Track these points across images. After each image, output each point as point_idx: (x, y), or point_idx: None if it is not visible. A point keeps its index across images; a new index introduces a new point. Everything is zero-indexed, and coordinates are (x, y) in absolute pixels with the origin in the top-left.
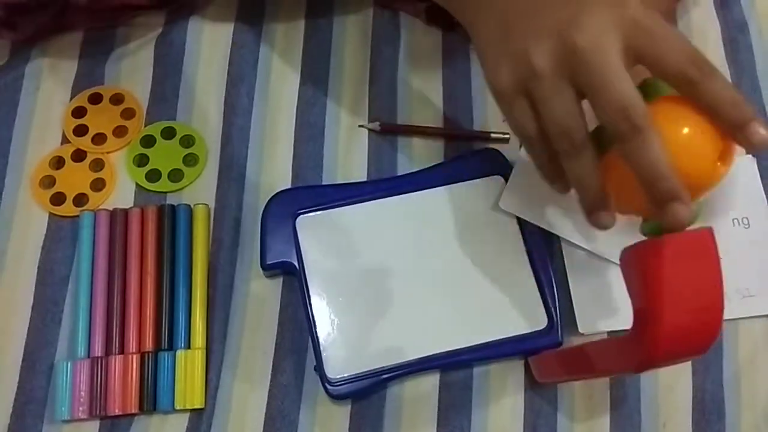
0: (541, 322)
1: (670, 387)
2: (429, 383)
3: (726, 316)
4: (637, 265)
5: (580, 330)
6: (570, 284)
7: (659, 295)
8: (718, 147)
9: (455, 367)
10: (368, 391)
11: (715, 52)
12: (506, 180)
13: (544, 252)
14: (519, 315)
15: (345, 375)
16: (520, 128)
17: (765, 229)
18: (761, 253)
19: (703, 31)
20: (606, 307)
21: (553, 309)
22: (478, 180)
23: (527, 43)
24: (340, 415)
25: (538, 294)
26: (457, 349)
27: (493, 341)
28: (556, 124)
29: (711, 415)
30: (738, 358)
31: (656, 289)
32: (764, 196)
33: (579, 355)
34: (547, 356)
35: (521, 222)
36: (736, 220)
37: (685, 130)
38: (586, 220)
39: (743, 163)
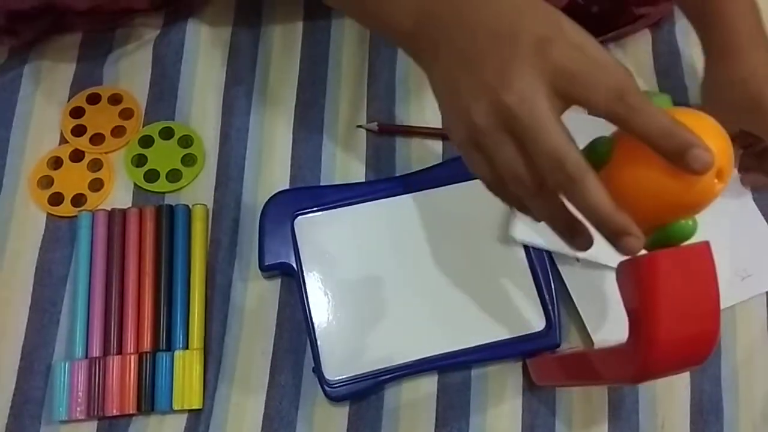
0: (539, 324)
1: (668, 387)
2: (427, 385)
3: (729, 301)
4: (633, 280)
5: (594, 340)
6: (573, 296)
7: (655, 310)
8: (717, 163)
9: (453, 368)
10: (366, 393)
11: None
12: None
13: (541, 253)
14: (517, 316)
15: (343, 377)
16: (480, 176)
17: (746, 206)
18: (749, 231)
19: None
20: (615, 316)
21: (551, 310)
22: (476, 180)
23: (468, 101)
24: (338, 416)
25: (536, 295)
26: (455, 351)
27: (491, 343)
28: (506, 172)
29: (709, 415)
30: (736, 357)
31: (652, 304)
32: (736, 173)
33: (577, 362)
34: (545, 360)
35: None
36: (717, 204)
37: None
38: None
39: None
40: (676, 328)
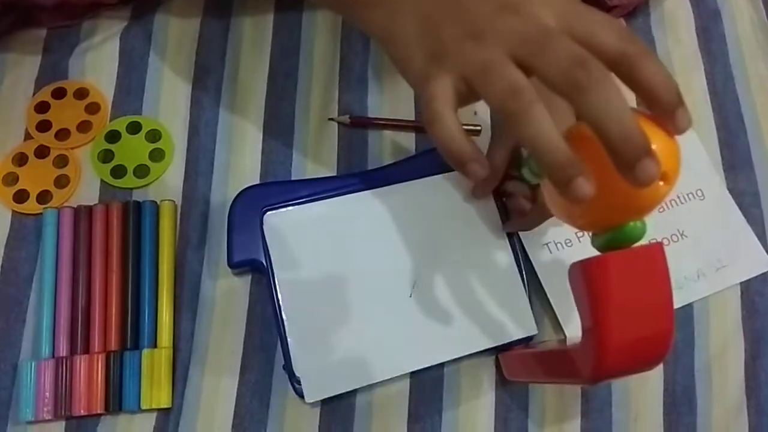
0: (531, 328)
1: (642, 379)
2: (400, 381)
3: (703, 292)
4: (584, 282)
5: (568, 336)
6: (545, 287)
7: (605, 312)
8: (662, 165)
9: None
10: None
11: (688, 42)
12: None
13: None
14: (507, 321)
15: (322, 396)
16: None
17: (719, 196)
18: (723, 221)
19: (676, 20)
20: None
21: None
22: (451, 173)
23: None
24: (310, 413)
25: (525, 296)
26: (434, 366)
27: (480, 352)
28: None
29: (682, 407)
30: (709, 348)
31: (602, 307)
32: (710, 163)
33: (540, 361)
34: (513, 357)
35: (502, 217)
36: (690, 194)
37: None
38: (565, 196)
39: (683, 136)
40: (628, 330)
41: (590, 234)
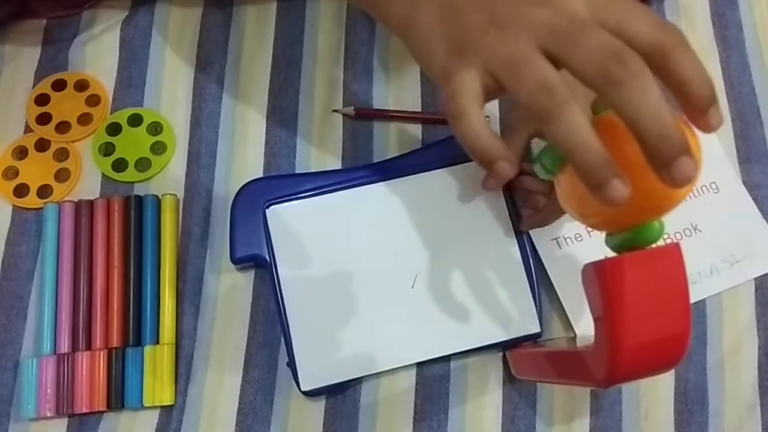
0: (534, 326)
1: (653, 377)
2: (405, 378)
3: (716, 288)
4: (598, 284)
5: (578, 334)
6: (554, 284)
7: (620, 315)
8: None
9: (432, 361)
10: (342, 387)
11: (703, 29)
12: None
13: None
14: (510, 317)
15: (318, 386)
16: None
17: (734, 189)
18: (737, 215)
19: (691, 6)
20: None
21: (535, 301)
22: (457, 165)
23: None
24: (314, 411)
25: (530, 293)
26: (439, 357)
27: (482, 347)
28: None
29: (694, 405)
30: (722, 346)
31: (617, 309)
32: (725, 155)
33: (551, 361)
34: (522, 355)
35: (511, 211)
36: (704, 187)
37: None
38: (598, 198)
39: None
40: (643, 332)
41: (604, 233)
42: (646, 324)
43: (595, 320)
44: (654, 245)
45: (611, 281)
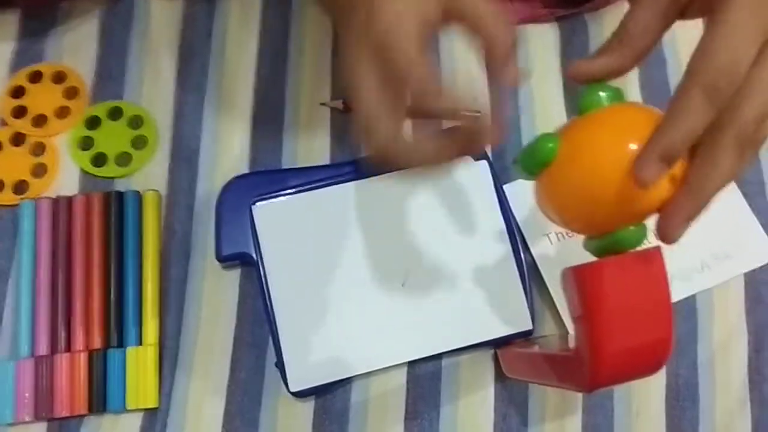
0: (526, 323)
1: None
2: (396, 376)
3: (706, 283)
4: (578, 288)
5: (570, 332)
6: (546, 280)
7: (600, 320)
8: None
9: (423, 359)
10: (332, 387)
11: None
12: (475, 160)
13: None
14: (501, 314)
15: (308, 386)
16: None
17: (730, 184)
18: (727, 210)
19: None
20: None
21: (526, 296)
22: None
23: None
24: (303, 411)
25: (521, 290)
26: (430, 356)
27: (472, 345)
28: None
29: (685, 401)
30: (712, 341)
31: (597, 315)
32: None
33: (538, 362)
34: (512, 354)
35: (503, 207)
36: None
37: (635, 146)
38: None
39: None
40: (624, 338)
41: (584, 237)
42: (626, 329)
43: (575, 325)
44: (634, 249)
45: (590, 286)
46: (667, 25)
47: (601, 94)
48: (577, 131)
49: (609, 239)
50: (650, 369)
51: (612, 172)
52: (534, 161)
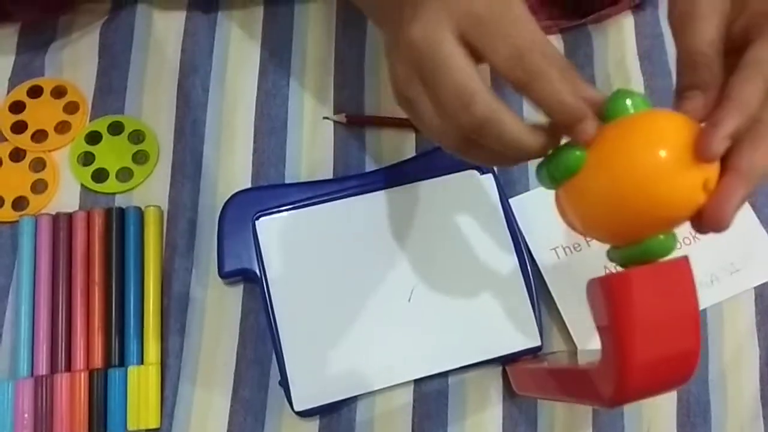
0: (535, 339)
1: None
2: (402, 395)
3: (716, 298)
4: (604, 299)
5: (579, 348)
6: (554, 296)
7: (628, 332)
8: (704, 172)
9: (430, 377)
10: (337, 406)
11: None
12: (481, 173)
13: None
14: (509, 330)
15: (312, 406)
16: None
17: None
18: (736, 223)
19: None
20: None
21: (535, 313)
22: (452, 175)
23: (390, 50)
24: (307, 431)
25: (529, 305)
26: (436, 374)
27: (480, 362)
28: (428, 129)
29: (696, 417)
30: (723, 356)
31: (624, 326)
32: None
33: (553, 378)
34: (522, 371)
35: (510, 221)
36: None
37: (668, 153)
38: (568, 133)
39: None
40: (652, 351)
41: (608, 247)
42: (654, 341)
43: (601, 337)
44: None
45: (618, 297)
46: None
47: (628, 102)
48: (606, 138)
49: (637, 248)
50: (677, 382)
51: (647, 177)
52: (560, 169)
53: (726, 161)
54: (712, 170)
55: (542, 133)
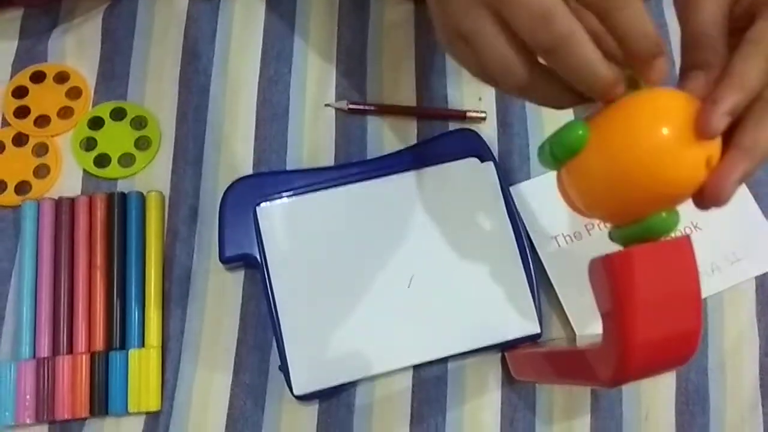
0: (534, 326)
1: (653, 377)
2: (402, 380)
3: (717, 287)
4: (606, 278)
5: (578, 334)
6: (553, 283)
7: (630, 310)
8: (707, 150)
9: (429, 362)
10: (336, 391)
11: None
12: (482, 161)
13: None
14: (509, 317)
15: (311, 390)
16: (471, 72)
17: (741, 187)
18: (738, 212)
19: None
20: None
21: (534, 301)
22: (453, 162)
23: None
24: (307, 415)
25: (529, 293)
26: (435, 360)
27: (479, 349)
28: (493, 63)
29: (695, 405)
30: (723, 345)
31: (626, 305)
32: None
33: (553, 361)
34: (521, 356)
35: (510, 209)
36: None
37: (671, 131)
38: (640, 75)
39: None
40: (654, 329)
41: (609, 226)
42: (656, 319)
43: (603, 316)
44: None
45: (620, 275)
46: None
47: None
48: (609, 117)
49: (640, 227)
50: (676, 362)
51: (649, 155)
52: (563, 149)
53: (729, 139)
54: (715, 148)
55: (615, 66)
